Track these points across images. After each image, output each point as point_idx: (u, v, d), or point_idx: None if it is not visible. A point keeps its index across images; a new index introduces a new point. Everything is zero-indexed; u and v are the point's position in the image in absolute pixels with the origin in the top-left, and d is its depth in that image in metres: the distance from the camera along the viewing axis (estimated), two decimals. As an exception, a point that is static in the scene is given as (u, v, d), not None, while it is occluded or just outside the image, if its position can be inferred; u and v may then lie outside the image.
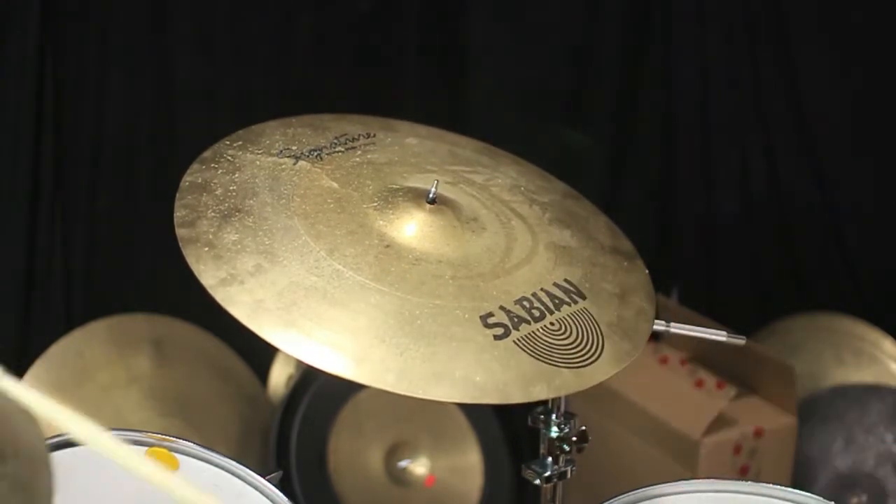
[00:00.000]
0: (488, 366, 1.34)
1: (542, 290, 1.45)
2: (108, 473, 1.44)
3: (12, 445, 0.89)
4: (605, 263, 1.57)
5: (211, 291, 1.34)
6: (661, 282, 1.97)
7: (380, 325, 1.34)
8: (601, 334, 1.44)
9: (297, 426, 2.38)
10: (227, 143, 1.58)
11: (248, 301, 1.34)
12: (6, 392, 0.88)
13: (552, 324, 1.41)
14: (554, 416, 1.51)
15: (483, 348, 1.35)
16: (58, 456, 1.30)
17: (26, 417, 0.92)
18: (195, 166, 1.52)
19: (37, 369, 2.25)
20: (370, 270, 1.39)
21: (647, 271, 1.60)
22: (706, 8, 2.71)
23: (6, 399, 0.90)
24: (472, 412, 2.46)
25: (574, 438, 1.52)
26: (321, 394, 2.39)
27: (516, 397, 1.34)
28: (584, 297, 1.48)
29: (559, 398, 1.50)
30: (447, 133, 1.76)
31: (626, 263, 1.59)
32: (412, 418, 2.45)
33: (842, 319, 2.72)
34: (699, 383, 2.35)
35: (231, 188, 1.49)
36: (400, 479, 2.44)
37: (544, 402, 1.51)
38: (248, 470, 1.46)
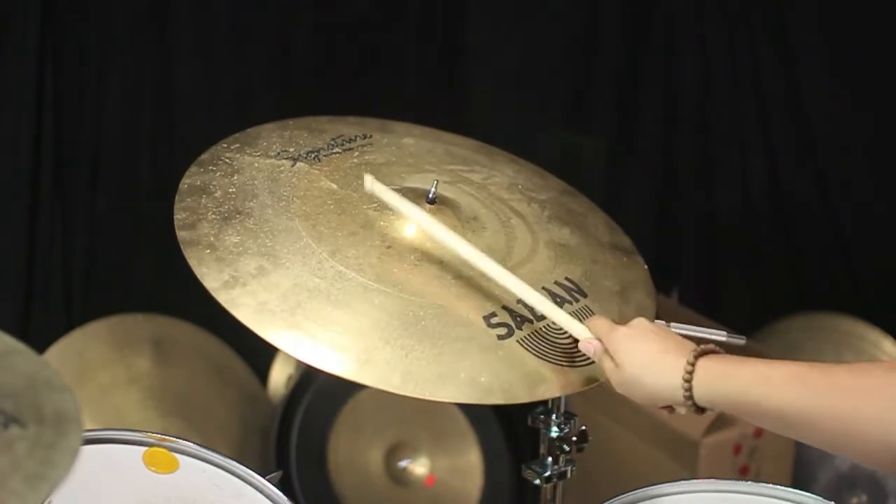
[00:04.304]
0: (493, 366, 1.34)
1: (543, 288, 1.45)
2: (108, 473, 1.44)
3: (36, 412, 0.95)
4: (605, 260, 1.57)
5: (214, 294, 1.34)
6: (661, 282, 1.97)
7: (384, 326, 1.34)
8: (603, 333, 1.44)
9: (297, 426, 2.38)
10: (225, 145, 1.58)
11: (251, 303, 1.34)
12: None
13: (554, 323, 1.41)
14: (554, 416, 1.51)
15: (487, 348, 1.35)
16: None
17: (58, 385, 0.98)
18: (193, 169, 1.52)
19: (37, 369, 2.25)
20: (373, 272, 1.39)
21: (645, 266, 1.60)
22: (706, 7, 2.71)
23: (34, 368, 0.97)
24: (473, 412, 2.46)
25: (574, 438, 1.52)
26: (321, 394, 2.39)
27: (522, 397, 1.34)
28: (585, 295, 1.48)
29: (559, 398, 1.50)
30: (443, 132, 1.76)
31: (625, 259, 1.59)
32: (412, 418, 2.45)
33: (842, 319, 2.72)
34: (699, 383, 2.35)
35: (230, 190, 1.49)
36: (400, 479, 2.44)
37: (544, 402, 1.51)
38: (248, 470, 1.46)
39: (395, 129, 1.72)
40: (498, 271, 1.40)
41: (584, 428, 1.53)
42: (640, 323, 1.34)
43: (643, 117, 2.79)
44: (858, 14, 2.67)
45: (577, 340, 1.38)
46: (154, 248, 2.46)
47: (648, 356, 1.29)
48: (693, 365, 1.25)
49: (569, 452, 1.53)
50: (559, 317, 1.39)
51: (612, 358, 1.32)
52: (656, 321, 1.37)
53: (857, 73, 2.74)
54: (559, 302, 1.44)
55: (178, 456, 1.47)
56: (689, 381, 1.25)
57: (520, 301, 1.42)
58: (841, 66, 2.73)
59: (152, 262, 2.48)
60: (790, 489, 1.51)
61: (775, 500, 1.51)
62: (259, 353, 2.51)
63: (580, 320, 1.40)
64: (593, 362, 1.39)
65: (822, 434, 1.17)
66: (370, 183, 1.46)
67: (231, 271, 1.36)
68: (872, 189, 2.80)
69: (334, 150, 1.60)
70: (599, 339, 1.34)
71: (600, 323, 1.36)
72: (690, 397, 1.25)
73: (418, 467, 2.45)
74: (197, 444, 1.48)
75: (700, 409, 1.26)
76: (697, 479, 1.55)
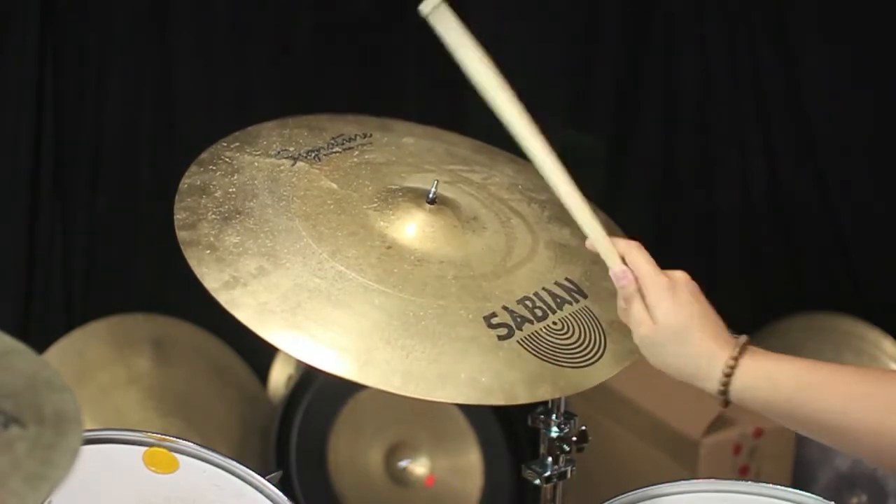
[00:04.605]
0: (493, 366, 1.34)
1: (543, 289, 1.45)
2: (108, 473, 1.44)
3: (36, 412, 0.95)
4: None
5: (214, 294, 1.34)
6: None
7: (384, 326, 1.34)
8: (603, 333, 1.44)
9: (297, 426, 2.38)
10: (225, 144, 1.58)
11: (252, 304, 1.34)
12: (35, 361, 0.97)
13: (555, 323, 1.42)
14: (554, 416, 1.51)
15: (487, 349, 1.35)
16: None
17: (58, 385, 0.98)
18: (193, 168, 1.52)
19: (37, 369, 2.25)
20: (373, 272, 1.39)
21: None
22: (706, 7, 2.71)
23: (34, 368, 0.98)
24: (472, 412, 2.46)
25: (574, 438, 1.52)
26: (321, 394, 2.39)
27: (522, 398, 1.34)
28: (585, 296, 1.48)
29: (559, 398, 1.50)
30: (443, 132, 1.75)
31: (624, 260, 1.59)
32: (412, 418, 2.45)
33: (842, 319, 2.72)
34: (699, 383, 2.35)
35: (230, 190, 1.49)
36: (400, 479, 2.44)
37: (544, 402, 1.51)
38: (248, 470, 1.46)
39: (394, 127, 1.72)
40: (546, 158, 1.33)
41: (584, 428, 1.53)
42: (683, 277, 1.26)
43: (643, 117, 2.79)
44: (858, 14, 2.67)
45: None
46: (154, 248, 2.46)
47: (689, 329, 1.22)
48: (736, 361, 1.19)
49: (569, 452, 1.53)
50: (598, 235, 1.31)
51: (646, 306, 1.24)
52: None
53: (857, 73, 2.74)
54: (559, 303, 1.45)
55: (178, 456, 1.47)
56: (729, 376, 1.19)
57: (520, 300, 1.41)
58: (841, 66, 2.73)
59: (152, 262, 2.48)
60: (790, 489, 1.51)
61: (775, 500, 1.51)
62: (259, 353, 2.51)
63: (578, 323, 1.40)
64: (593, 363, 1.39)
65: (859, 445, 1.15)
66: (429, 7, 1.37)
67: (231, 271, 1.36)
68: (872, 189, 2.80)
69: (334, 150, 1.60)
70: (639, 278, 1.26)
71: (640, 257, 1.28)
72: (725, 392, 1.20)
73: (418, 467, 2.45)
74: (197, 444, 1.48)
75: (727, 403, 1.21)
76: (697, 479, 1.55)
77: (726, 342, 1.22)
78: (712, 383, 1.20)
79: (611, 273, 1.29)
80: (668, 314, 1.23)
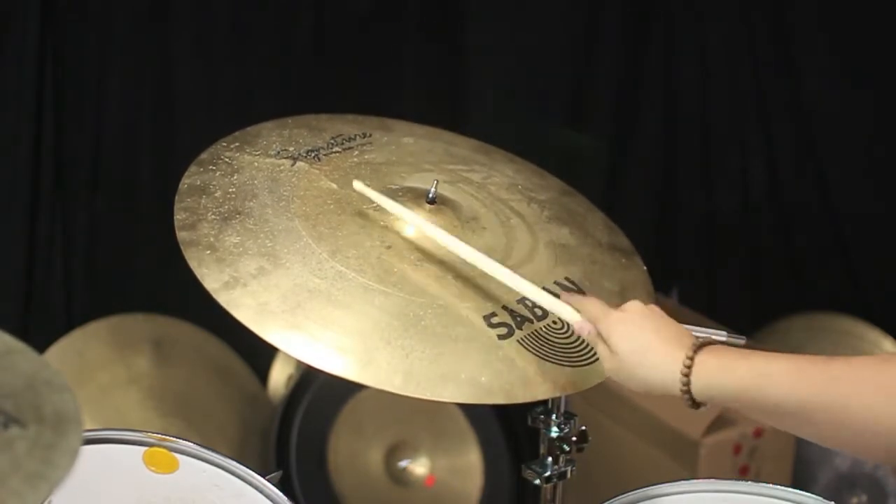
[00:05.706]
0: (493, 366, 1.34)
1: (543, 288, 1.45)
2: (108, 473, 1.44)
3: (36, 412, 0.95)
4: (604, 261, 1.57)
5: (214, 295, 1.34)
6: (661, 282, 1.97)
7: (385, 326, 1.34)
8: (603, 332, 1.44)
9: (297, 426, 2.38)
10: (224, 144, 1.58)
11: (252, 304, 1.34)
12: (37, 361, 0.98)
13: (554, 322, 1.42)
14: (554, 416, 1.51)
15: (487, 348, 1.35)
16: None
17: (58, 385, 0.98)
18: (193, 168, 1.52)
19: (37, 369, 2.25)
20: (373, 272, 1.39)
21: (644, 268, 1.60)
22: (706, 8, 2.72)
23: (34, 368, 0.98)
24: (472, 412, 2.46)
25: (574, 438, 1.52)
26: (321, 394, 2.39)
27: (522, 397, 1.34)
28: (585, 295, 1.48)
29: (559, 398, 1.50)
30: (443, 132, 1.76)
31: (624, 260, 1.59)
32: (412, 418, 2.45)
33: (841, 319, 2.72)
34: (699, 383, 2.35)
35: (230, 190, 1.49)
36: (400, 479, 2.44)
37: (544, 402, 1.51)
38: (248, 470, 1.46)
39: (394, 127, 1.72)
40: (487, 263, 1.39)
41: (584, 428, 1.53)
42: (635, 306, 1.30)
43: (643, 117, 2.79)
44: (859, 14, 2.68)
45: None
46: (154, 248, 2.46)
47: (645, 344, 1.26)
48: (692, 359, 1.22)
49: (569, 452, 1.53)
50: (549, 302, 1.37)
51: (606, 343, 1.29)
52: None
53: (858, 73, 2.74)
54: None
55: (178, 456, 1.47)
56: (687, 375, 1.22)
57: (520, 300, 1.42)
58: (841, 66, 2.73)
59: (152, 262, 2.48)
60: (790, 489, 1.51)
61: (775, 500, 1.51)
62: (259, 353, 2.51)
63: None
64: (594, 362, 1.39)
65: (817, 426, 1.16)
66: (359, 187, 1.47)
67: (231, 272, 1.36)
68: (872, 189, 2.81)
69: (334, 150, 1.60)
70: (594, 323, 1.31)
71: (593, 306, 1.33)
72: (688, 391, 1.22)
73: (418, 467, 2.45)
74: (197, 444, 1.48)
75: (696, 404, 1.23)
76: (697, 479, 1.55)
77: (683, 345, 1.24)
78: (675, 385, 1.23)
79: (573, 328, 1.35)
80: (621, 339, 1.27)
